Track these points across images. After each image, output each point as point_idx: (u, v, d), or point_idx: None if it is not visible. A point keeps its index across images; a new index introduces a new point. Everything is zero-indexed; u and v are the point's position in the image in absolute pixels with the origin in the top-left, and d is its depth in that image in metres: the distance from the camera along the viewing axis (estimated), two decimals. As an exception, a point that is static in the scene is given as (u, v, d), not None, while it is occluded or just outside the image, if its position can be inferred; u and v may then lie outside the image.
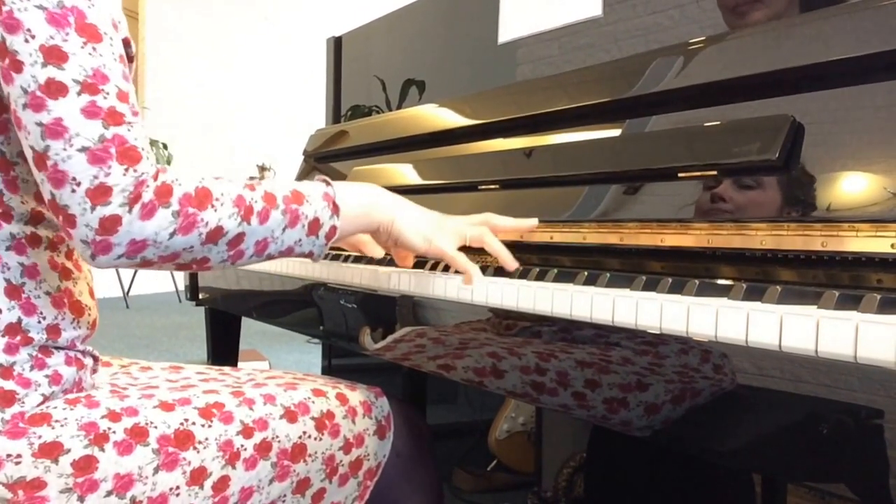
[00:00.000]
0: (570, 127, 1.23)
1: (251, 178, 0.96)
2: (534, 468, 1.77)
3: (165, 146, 7.11)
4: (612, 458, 1.54)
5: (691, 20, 1.13)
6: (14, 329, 0.83)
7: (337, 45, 2.18)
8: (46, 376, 0.85)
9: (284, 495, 0.96)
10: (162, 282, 7.42)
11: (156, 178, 0.80)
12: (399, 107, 1.86)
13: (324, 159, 1.99)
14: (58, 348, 0.87)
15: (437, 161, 1.51)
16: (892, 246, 0.74)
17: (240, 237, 0.87)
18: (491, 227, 1.07)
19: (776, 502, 1.25)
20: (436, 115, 1.59)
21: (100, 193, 0.77)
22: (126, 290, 6.82)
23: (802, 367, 0.65)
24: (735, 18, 1.09)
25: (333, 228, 0.96)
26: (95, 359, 0.95)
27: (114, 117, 0.78)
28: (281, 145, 7.08)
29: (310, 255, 0.96)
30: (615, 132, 1.14)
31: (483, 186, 1.33)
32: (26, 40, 0.76)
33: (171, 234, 0.81)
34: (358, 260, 1.38)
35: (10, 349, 0.83)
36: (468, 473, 2.06)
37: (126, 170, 0.78)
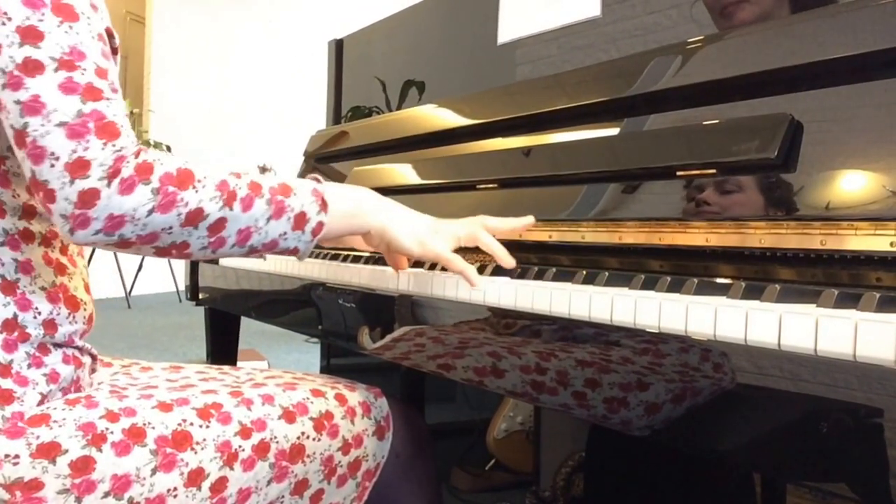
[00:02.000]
0: (568, 126, 1.23)
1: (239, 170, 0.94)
2: (532, 467, 1.77)
3: (169, 148, 7.13)
4: (610, 457, 1.54)
5: (690, 19, 1.13)
6: (10, 325, 0.83)
7: (338, 47, 2.19)
8: (44, 374, 0.85)
9: (283, 496, 0.95)
10: (163, 282, 7.41)
11: (137, 156, 0.80)
12: (399, 107, 1.87)
13: (324, 160, 1.99)
14: (56, 345, 0.87)
15: (437, 161, 1.51)
16: (891, 244, 0.73)
17: (221, 223, 0.85)
18: (486, 228, 1.05)
19: (776, 502, 1.24)
20: (435, 116, 1.59)
21: (78, 167, 0.76)
22: (128, 290, 6.83)
23: (802, 366, 0.65)
24: (723, 20, 1.09)
25: (320, 224, 0.93)
26: (94, 357, 0.95)
27: (92, 93, 0.78)
28: (282, 146, 7.06)
29: (294, 251, 0.93)
30: (614, 131, 1.14)
31: (482, 186, 1.32)
32: (3, 23, 0.76)
33: (150, 212, 0.80)
34: (356, 259, 1.38)
35: (8, 346, 0.83)
36: (466, 473, 2.06)
37: (105, 144, 0.77)
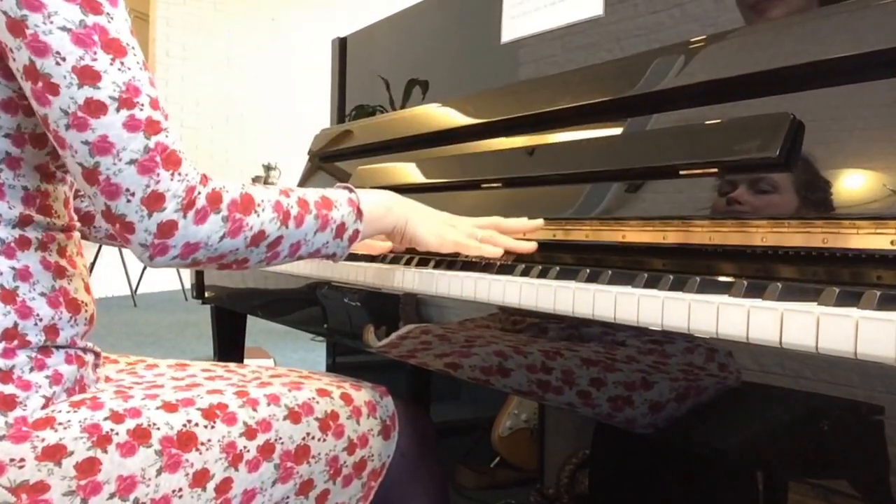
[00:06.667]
0: (572, 125, 1.23)
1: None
2: (537, 465, 1.77)
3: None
4: (615, 454, 1.54)
5: (692, 19, 1.13)
6: (11, 334, 0.83)
7: (342, 45, 2.18)
8: (47, 377, 0.85)
9: (287, 497, 0.96)
10: (169, 280, 7.45)
11: (204, 184, 0.86)
12: (403, 106, 1.87)
13: (328, 159, 2.00)
14: (57, 347, 0.87)
15: (441, 160, 1.51)
16: (892, 243, 0.74)
17: (278, 240, 0.93)
18: (500, 229, 1.12)
19: (778, 499, 1.25)
20: (439, 115, 1.59)
21: (153, 201, 0.82)
22: (134, 288, 6.85)
23: (803, 364, 0.65)
24: (755, 16, 1.09)
25: (357, 232, 1.02)
26: (97, 355, 0.95)
27: (152, 126, 0.82)
28: (286, 145, 7.11)
29: (333, 256, 1.02)
30: (617, 130, 1.14)
31: (486, 185, 1.33)
32: (57, 63, 0.78)
33: (221, 238, 0.87)
34: (362, 258, 1.38)
35: (8, 353, 0.82)
36: (471, 470, 2.06)
37: (172, 174, 0.83)
